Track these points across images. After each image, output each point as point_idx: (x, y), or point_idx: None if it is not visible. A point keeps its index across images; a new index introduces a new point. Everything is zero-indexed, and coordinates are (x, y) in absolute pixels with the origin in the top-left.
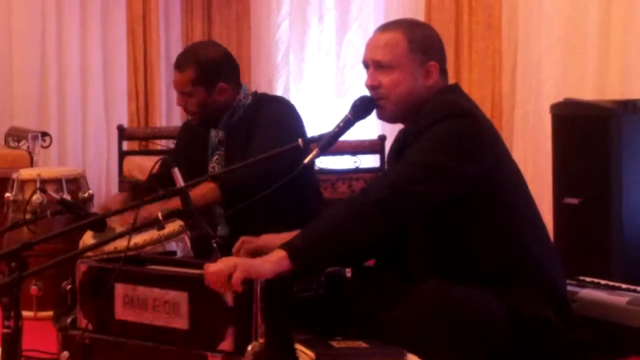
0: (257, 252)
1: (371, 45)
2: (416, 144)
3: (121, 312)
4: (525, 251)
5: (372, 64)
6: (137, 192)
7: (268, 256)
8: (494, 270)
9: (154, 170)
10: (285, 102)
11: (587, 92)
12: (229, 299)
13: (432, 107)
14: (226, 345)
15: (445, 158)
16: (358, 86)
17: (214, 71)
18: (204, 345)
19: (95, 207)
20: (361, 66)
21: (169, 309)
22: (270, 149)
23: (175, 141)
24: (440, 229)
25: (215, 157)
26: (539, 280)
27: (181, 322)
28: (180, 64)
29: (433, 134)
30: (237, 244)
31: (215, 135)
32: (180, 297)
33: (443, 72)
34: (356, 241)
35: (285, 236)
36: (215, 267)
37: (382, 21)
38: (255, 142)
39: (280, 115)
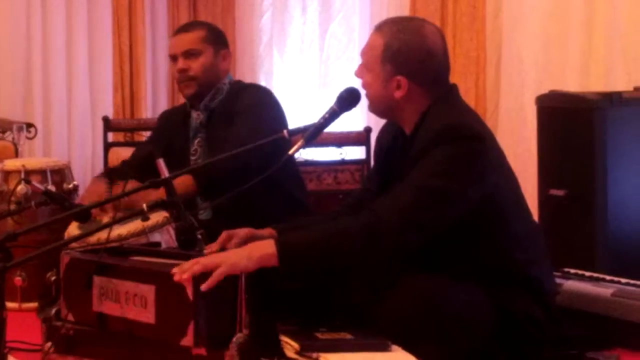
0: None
1: (366, 41)
2: (424, 164)
3: (97, 304)
4: (513, 259)
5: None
6: (112, 178)
7: (255, 249)
8: (480, 272)
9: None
10: (264, 89)
11: (570, 85)
12: (189, 293)
13: (438, 124)
14: (187, 340)
15: (454, 183)
16: (342, 78)
17: (221, 36)
18: (168, 340)
19: (79, 198)
20: (345, 58)
21: (138, 302)
22: (251, 136)
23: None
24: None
25: (197, 139)
26: (525, 283)
27: (148, 316)
28: (187, 27)
29: (441, 156)
30: (221, 238)
31: (196, 117)
32: (148, 291)
33: (426, 84)
34: (354, 261)
35: (264, 232)
36: (201, 260)
37: (366, 13)
38: (235, 128)
39: (260, 101)
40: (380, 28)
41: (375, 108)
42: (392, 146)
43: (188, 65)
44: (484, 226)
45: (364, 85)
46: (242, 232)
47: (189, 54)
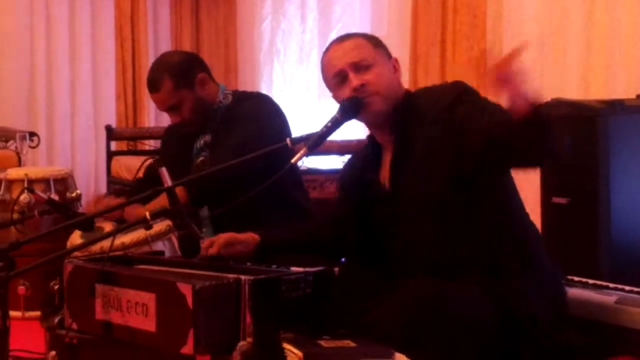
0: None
1: (340, 54)
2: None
3: (100, 313)
4: (527, 244)
5: (350, 68)
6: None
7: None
8: (494, 261)
9: (140, 175)
10: (266, 99)
11: (571, 92)
12: (189, 301)
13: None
14: (187, 349)
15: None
16: None
17: (186, 67)
18: (169, 348)
19: (83, 207)
20: None
21: (139, 311)
22: (246, 143)
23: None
24: (443, 218)
25: (200, 158)
26: (540, 273)
27: (150, 324)
28: (153, 84)
29: (465, 110)
30: (207, 243)
31: (202, 137)
32: (148, 299)
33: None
34: None
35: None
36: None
37: (366, 21)
38: (232, 136)
39: (259, 110)
40: (346, 37)
41: (390, 101)
42: (365, 178)
43: (179, 116)
44: (501, 212)
45: (374, 80)
46: (223, 236)
47: (171, 109)
